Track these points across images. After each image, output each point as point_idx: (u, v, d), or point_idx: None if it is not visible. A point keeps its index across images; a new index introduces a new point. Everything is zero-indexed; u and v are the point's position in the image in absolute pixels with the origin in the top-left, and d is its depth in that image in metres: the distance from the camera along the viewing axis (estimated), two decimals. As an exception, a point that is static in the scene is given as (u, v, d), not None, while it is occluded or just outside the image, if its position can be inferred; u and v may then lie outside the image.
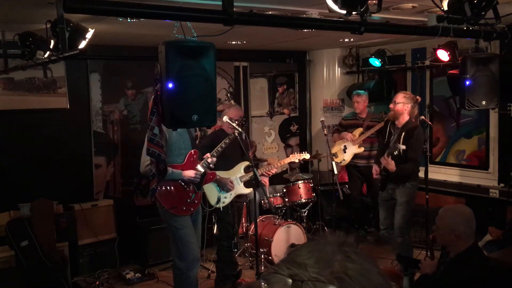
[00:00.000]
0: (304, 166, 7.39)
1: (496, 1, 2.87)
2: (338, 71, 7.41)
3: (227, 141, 4.62)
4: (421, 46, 6.54)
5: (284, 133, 7.57)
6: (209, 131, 5.23)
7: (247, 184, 5.03)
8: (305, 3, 3.72)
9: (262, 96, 7.33)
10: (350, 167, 6.48)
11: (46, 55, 3.72)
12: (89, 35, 3.56)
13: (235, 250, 5.28)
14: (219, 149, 4.57)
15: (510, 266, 3.97)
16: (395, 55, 6.78)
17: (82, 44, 3.50)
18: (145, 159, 4.05)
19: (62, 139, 5.64)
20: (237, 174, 5.01)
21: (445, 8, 2.86)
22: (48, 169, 5.50)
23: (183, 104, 2.66)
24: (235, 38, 5.58)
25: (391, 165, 4.77)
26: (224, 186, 4.87)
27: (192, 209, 4.32)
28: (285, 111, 7.57)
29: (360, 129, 6.26)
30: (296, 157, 5.55)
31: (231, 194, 4.93)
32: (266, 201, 5.54)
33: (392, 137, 5.04)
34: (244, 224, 5.86)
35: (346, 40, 6.40)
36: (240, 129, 4.64)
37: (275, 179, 6.56)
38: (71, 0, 2.10)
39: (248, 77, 7.15)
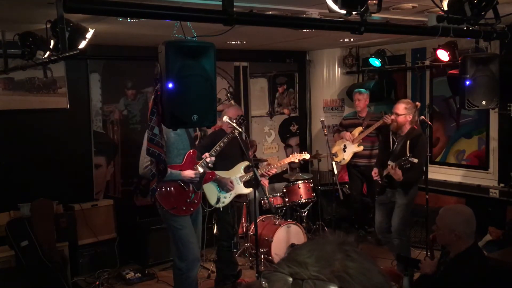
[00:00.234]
0: (304, 166, 7.39)
1: (496, 1, 2.87)
2: (338, 71, 7.41)
3: (225, 140, 4.62)
4: (421, 46, 6.54)
5: (284, 133, 7.57)
6: (209, 131, 5.23)
7: (247, 184, 5.03)
8: (305, 3, 3.72)
9: (262, 96, 7.33)
10: (350, 167, 6.48)
11: (46, 55, 3.72)
12: (89, 35, 3.56)
13: (235, 250, 5.28)
14: (218, 148, 4.56)
15: (510, 266, 3.97)
16: (395, 55, 6.78)
17: (82, 44, 3.50)
18: (144, 161, 4.05)
19: (62, 139, 5.64)
20: (237, 174, 5.01)
21: (445, 8, 2.86)
22: (48, 169, 5.50)
23: (183, 104, 2.66)
24: (235, 38, 5.58)
25: (399, 175, 4.76)
26: (224, 186, 4.86)
27: (192, 209, 4.32)
28: (285, 111, 7.57)
29: (360, 128, 6.27)
30: (296, 157, 5.55)
31: (231, 194, 4.93)
32: (266, 201, 5.54)
33: (396, 145, 5.03)
34: (244, 224, 5.86)
35: (346, 40, 6.40)
36: (240, 129, 4.63)
37: (275, 179, 6.56)
38: (71, 0, 2.10)
39: (248, 77, 7.15)
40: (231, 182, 4.90)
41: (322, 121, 5.86)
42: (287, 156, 5.91)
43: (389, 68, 6.65)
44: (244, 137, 4.77)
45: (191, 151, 4.35)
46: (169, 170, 4.02)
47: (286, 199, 5.97)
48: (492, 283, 3.14)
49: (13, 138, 5.34)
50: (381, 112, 6.60)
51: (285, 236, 5.52)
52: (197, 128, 5.44)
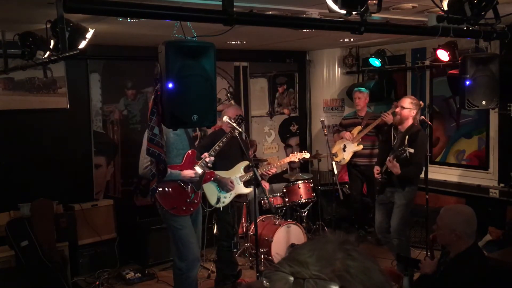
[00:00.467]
0: (304, 166, 7.39)
1: (496, 1, 2.88)
2: (338, 71, 7.41)
3: (224, 139, 4.61)
4: (421, 46, 6.54)
5: (284, 133, 7.57)
6: (209, 131, 5.22)
7: (247, 184, 5.03)
8: (305, 3, 3.72)
9: (262, 96, 7.33)
10: (350, 167, 6.49)
11: (46, 55, 3.72)
12: (89, 35, 3.56)
13: (235, 250, 5.28)
14: (217, 148, 4.56)
15: (510, 266, 3.97)
16: (395, 55, 6.79)
17: (82, 44, 3.50)
18: (144, 161, 4.05)
19: (62, 139, 5.64)
20: (237, 174, 5.01)
21: (445, 8, 2.86)
22: (48, 169, 5.50)
23: (183, 104, 2.66)
24: (235, 38, 5.58)
25: (396, 167, 4.74)
26: (224, 186, 4.86)
27: (192, 209, 4.32)
28: (285, 111, 7.58)
29: (359, 128, 6.28)
30: (296, 157, 5.55)
31: (231, 194, 4.93)
32: (266, 201, 5.54)
33: (395, 141, 5.03)
34: (244, 224, 5.86)
35: (346, 40, 6.40)
36: (240, 129, 4.64)
37: (275, 179, 6.56)
38: (71, 0, 2.10)
39: (248, 77, 7.15)
40: (231, 182, 4.90)
41: (322, 121, 5.86)
42: (287, 156, 5.91)
43: (389, 68, 6.65)
44: (244, 137, 4.77)
45: (190, 151, 4.35)
46: (169, 170, 4.02)
47: (286, 199, 5.97)
48: (492, 283, 3.13)
49: (13, 138, 5.34)
50: (381, 112, 6.60)
51: (285, 236, 5.52)
52: (197, 128, 5.45)
